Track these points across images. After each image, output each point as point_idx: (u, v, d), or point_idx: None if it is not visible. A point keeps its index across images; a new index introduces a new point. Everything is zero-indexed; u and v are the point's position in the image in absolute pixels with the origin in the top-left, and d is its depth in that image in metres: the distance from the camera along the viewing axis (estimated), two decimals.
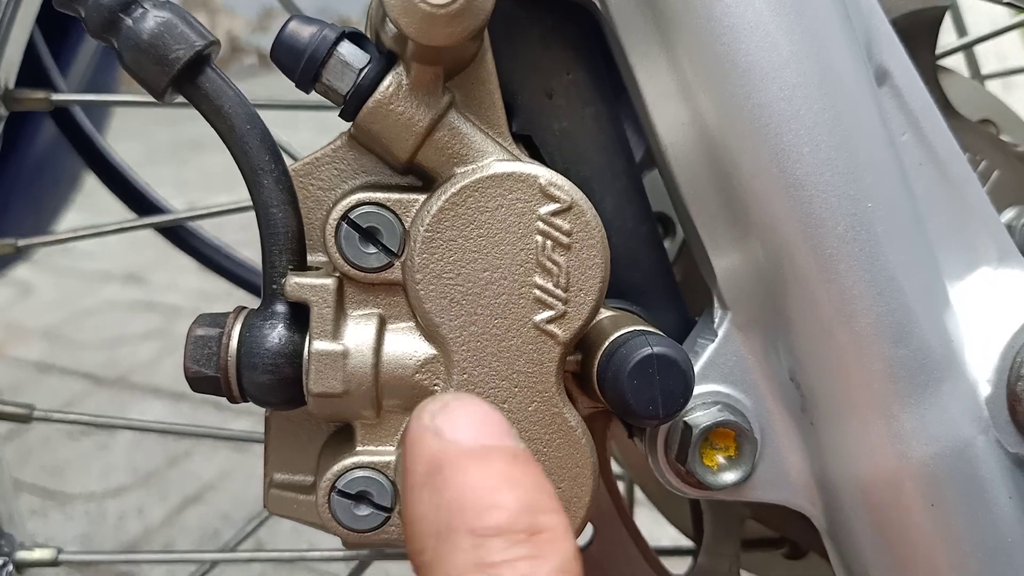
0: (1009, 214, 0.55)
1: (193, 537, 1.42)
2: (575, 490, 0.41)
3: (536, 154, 0.44)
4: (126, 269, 2.48)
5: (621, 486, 0.78)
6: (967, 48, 0.68)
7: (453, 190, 0.39)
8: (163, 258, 2.07)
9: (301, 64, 0.38)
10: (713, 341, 0.43)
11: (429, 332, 0.40)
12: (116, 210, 0.85)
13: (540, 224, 0.40)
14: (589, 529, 0.53)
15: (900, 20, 0.50)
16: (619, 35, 0.42)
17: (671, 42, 0.40)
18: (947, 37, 0.61)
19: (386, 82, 0.39)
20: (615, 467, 0.74)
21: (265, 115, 0.41)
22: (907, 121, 0.43)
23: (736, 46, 0.39)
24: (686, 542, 0.62)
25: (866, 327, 0.41)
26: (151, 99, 0.40)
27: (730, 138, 0.40)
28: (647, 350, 0.38)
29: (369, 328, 0.40)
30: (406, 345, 0.41)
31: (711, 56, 0.39)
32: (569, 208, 0.40)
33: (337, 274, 0.40)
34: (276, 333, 0.39)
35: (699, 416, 0.42)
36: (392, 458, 0.41)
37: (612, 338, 0.40)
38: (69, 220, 1.16)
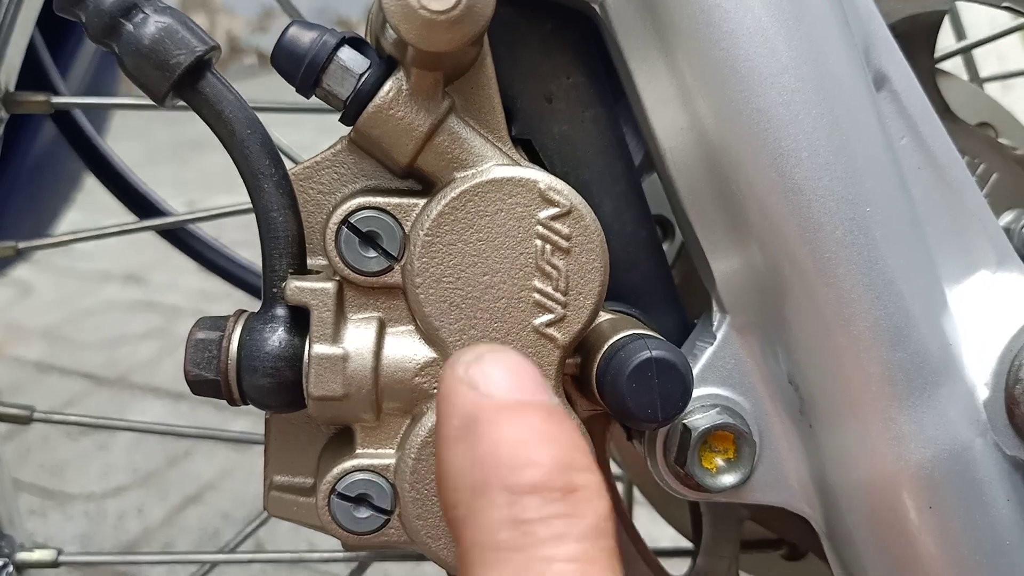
0: (1008, 217, 0.55)
1: (193, 537, 1.42)
2: None
3: (536, 158, 0.44)
4: (126, 269, 2.48)
5: (620, 488, 0.78)
6: (966, 51, 0.68)
7: (453, 195, 0.39)
8: (163, 258, 2.07)
9: (302, 69, 0.38)
10: (712, 344, 0.44)
11: (429, 335, 0.41)
12: (116, 209, 0.86)
13: (539, 228, 0.40)
14: None
15: (899, 24, 0.51)
16: (618, 40, 0.42)
17: (670, 47, 0.41)
18: (946, 40, 0.61)
19: (386, 87, 0.39)
20: (614, 469, 0.75)
21: (266, 116, 0.41)
22: (905, 125, 0.43)
23: (735, 51, 0.39)
24: (685, 543, 0.62)
25: (864, 330, 0.41)
26: (151, 102, 0.40)
27: (729, 143, 0.40)
28: (646, 354, 0.38)
29: (369, 332, 0.40)
30: (406, 348, 0.41)
31: (710, 61, 0.40)
32: (568, 212, 0.40)
33: (337, 278, 0.40)
34: (276, 337, 0.40)
35: (698, 419, 0.42)
36: (392, 461, 0.41)
37: (611, 341, 0.40)
38: (69, 219, 1.16)
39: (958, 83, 0.61)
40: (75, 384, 1.90)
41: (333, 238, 0.40)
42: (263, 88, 0.88)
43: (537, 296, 0.40)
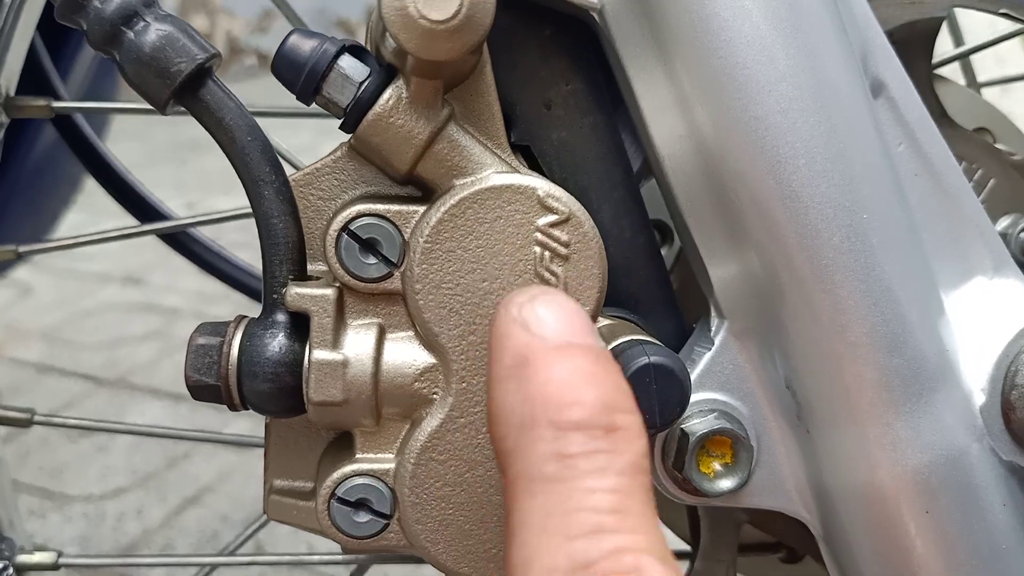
0: (1004, 222, 0.56)
1: (192, 538, 1.43)
2: None
3: (535, 164, 0.45)
4: (125, 271, 2.48)
5: None
6: (963, 57, 0.68)
7: (452, 202, 0.40)
8: (162, 260, 2.07)
9: (302, 78, 0.39)
10: (710, 349, 0.44)
11: (428, 341, 0.41)
12: (116, 211, 0.86)
13: (538, 235, 0.40)
14: None
15: (897, 31, 0.51)
16: (617, 47, 0.42)
17: (668, 55, 0.41)
18: (945, 44, 0.61)
19: (386, 95, 0.39)
20: None
21: (266, 119, 0.41)
22: (903, 132, 0.43)
23: (733, 60, 0.39)
24: (683, 547, 0.62)
25: (861, 336, 0.41)
26: (151, 107, 0.40)
27: (727, 150, 0.40)
28: (644, 360, 0.38)
29: (369, 337, 0.40)
30: (405, 354, 0.41)
31: (708, 69, 0.40)
32: (567, 219, 0.40)
33: (337, 284, 0.40)
34: (277, 342, 0.40)
35: (696, 424, 0.43)
36: (391, 466, 0.42)
37: (609, 347, 0.40)
38: (69, 220, 1.16)
39: (956, 88, 0.61)
40: (74, 385, 1.90)
41: (333, 245, 0.40)
42: (263, 89, 0.88)
43: None
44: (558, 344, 0.33)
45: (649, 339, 0.41)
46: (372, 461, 0.42)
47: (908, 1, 0.51)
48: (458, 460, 0.41)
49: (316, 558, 0.69)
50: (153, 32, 0.38)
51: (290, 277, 0.40)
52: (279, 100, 0.68)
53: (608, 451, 0.32)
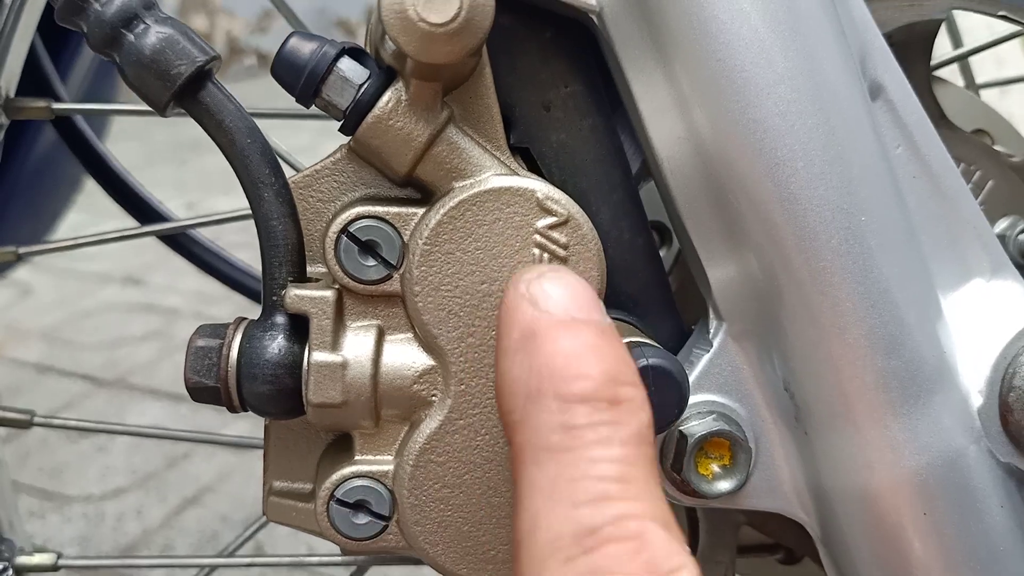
0: (1003, 224, 0.56)
1: (192, 539, 1.43)
2: None
3: (534, 166, 0.45)
4: (125, 271, 2.48)
5: None
6: (962, 59, 0.69)
7: (451, 204, 0.40)
8: (162, 260, 2.07)
9: (301, 80, 0.39)
10: (708, 351, 0.44)
11: (427, 343, 0.41)
12: (116, 211, 0.86)
13: (537, 237, 0.40)
14: None
15: (895, 33, 0.51)
16: (616, 50, 0.42)
17: (667, 57, 0.41)
18: (943, 46, 0.61)
19: (385, 98, 0.39)
20: None
21: (265, 120, 0.41)
22: (901, 135, 0.43)
23: (732, 62, 0.39)
24: None
25: (859, 338, 0.41)
26: (151, 108, 0.40)
27: (725, 152, 0.40)
28: (642, 361, 0.38)
29: (368, 339, 0.41)
30: (404, 356, 0.41)
31: (707, 72, 0.40)
32: (566, 221, 0.40)
33: (336, 286, 0.40)
34: (276, 344, 0.40)
35: (694, 425, 0.43)
36: (390, 467, 0.42)
37: None
38: (69, 220, 1.16)
39: (954, 90, 0.61)
40: (74, 385, 1.90)
41: (333, 247, 0.40)
42: (263, 90, 0.88)
43: None
44: (564, 319, 0.34)
45: (648, 341, 0.41)
46: (371, 463, 0.42)
47: (907, 3, 0.51)
48: (457, 462, 0.41)
49: (315, 559, 0.69)
50: (153, 34, 0.38)
51: (289, 279, 0.40)
52: (279, 100, 0.68)
53: (612, 422, 0.33)
